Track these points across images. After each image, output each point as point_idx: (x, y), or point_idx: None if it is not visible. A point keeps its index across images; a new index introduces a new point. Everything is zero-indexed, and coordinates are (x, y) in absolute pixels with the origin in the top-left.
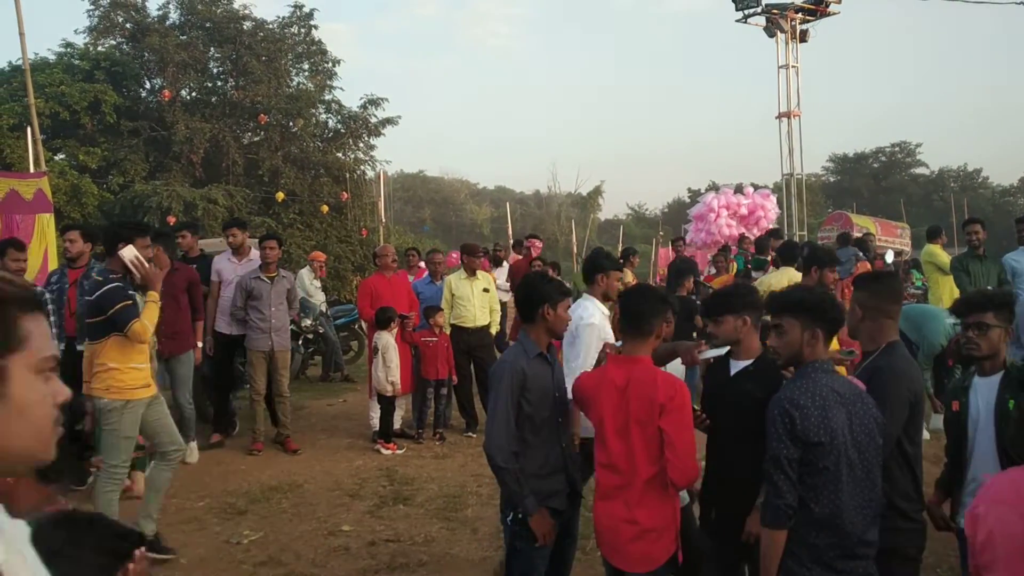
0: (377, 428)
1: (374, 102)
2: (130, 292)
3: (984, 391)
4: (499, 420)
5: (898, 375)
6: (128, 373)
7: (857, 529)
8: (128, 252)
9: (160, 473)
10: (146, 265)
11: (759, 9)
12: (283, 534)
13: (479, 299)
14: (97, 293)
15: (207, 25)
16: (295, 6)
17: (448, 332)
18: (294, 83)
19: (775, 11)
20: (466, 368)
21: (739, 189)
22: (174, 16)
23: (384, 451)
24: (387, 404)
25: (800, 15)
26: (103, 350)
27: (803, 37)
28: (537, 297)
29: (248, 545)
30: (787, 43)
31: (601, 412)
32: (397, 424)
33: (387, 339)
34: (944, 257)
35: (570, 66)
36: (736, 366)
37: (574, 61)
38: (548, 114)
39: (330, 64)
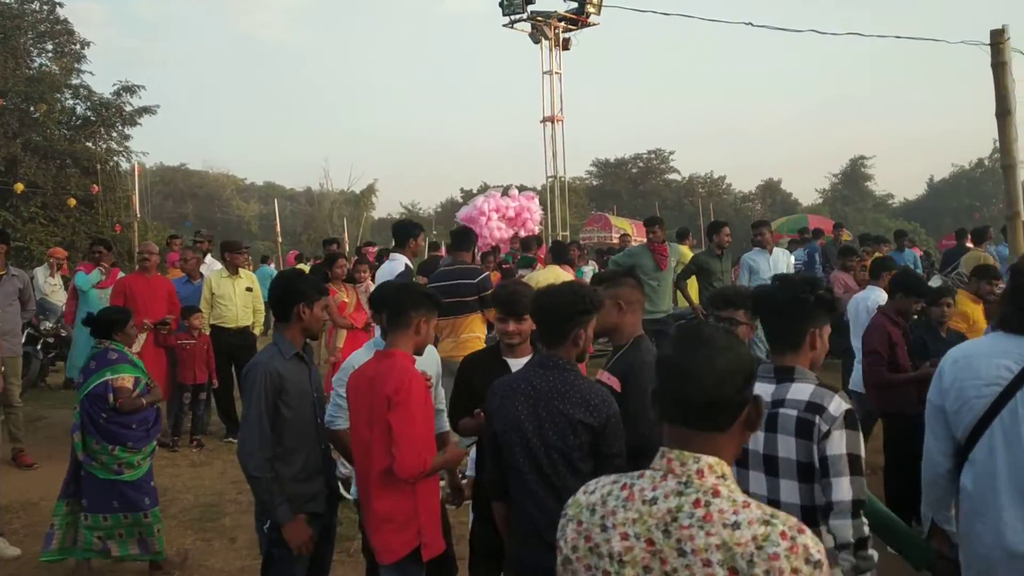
0: None
1: (129, 89)
2: None
3: None
4: (252, 426)
5: (650, 367)
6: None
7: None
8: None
9: None
10: None
11: (524, 16)
12: (14, 557)
13: (241, 298)
14: (480, 277)
15: None
16: None
17: (208, 333)
18: (35, 64)
19: (539, 18)
20: (227, 371)
21: (506, 192)
22: None
23: None
24: None
25: (563, 24)
26: (470, 324)
27: (566, 45)
28: (294, 295)
29: None
30: (551, 50)
31: (353, 404)
32: None
33: None
34: (691, 256)
35: (345, 63)
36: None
37: (349, 58)
38: (320, 110)
39: (78, 46)
